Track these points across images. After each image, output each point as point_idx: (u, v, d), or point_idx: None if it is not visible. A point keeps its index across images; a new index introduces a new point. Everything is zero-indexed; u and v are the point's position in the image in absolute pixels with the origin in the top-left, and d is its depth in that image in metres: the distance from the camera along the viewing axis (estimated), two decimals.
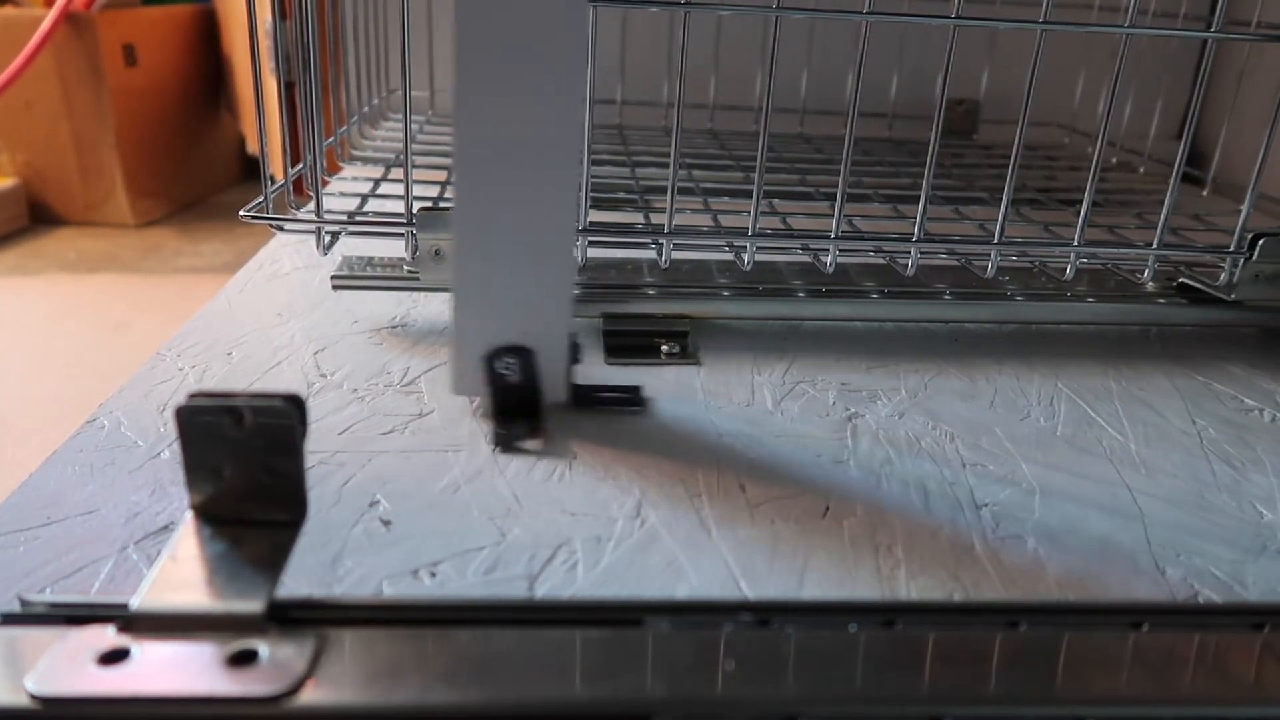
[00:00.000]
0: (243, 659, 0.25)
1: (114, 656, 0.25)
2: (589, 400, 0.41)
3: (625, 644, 0.27)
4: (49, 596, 0.28)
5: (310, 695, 0.24)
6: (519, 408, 0.39)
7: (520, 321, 0.38)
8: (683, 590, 0.30)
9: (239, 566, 0.27)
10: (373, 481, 0.35)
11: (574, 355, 0.40)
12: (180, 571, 0.27)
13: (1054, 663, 0.27)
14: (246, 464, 0.28)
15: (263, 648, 0.25)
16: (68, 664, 0.25)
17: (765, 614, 0.28)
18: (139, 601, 0.26)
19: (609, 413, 0.41)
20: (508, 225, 0.37)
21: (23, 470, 0.35)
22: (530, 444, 0.37)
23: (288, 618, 0.27)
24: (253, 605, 0.26)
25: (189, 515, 0.28)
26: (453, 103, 0.35)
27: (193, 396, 0.27)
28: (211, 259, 1.49)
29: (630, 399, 0.42)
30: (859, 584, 0.31)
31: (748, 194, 0.48)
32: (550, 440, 0.38)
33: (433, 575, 0.30)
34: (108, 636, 0.26)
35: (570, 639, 0.27)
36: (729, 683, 0.26)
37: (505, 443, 0.37)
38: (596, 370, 0.45)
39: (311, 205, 0.49)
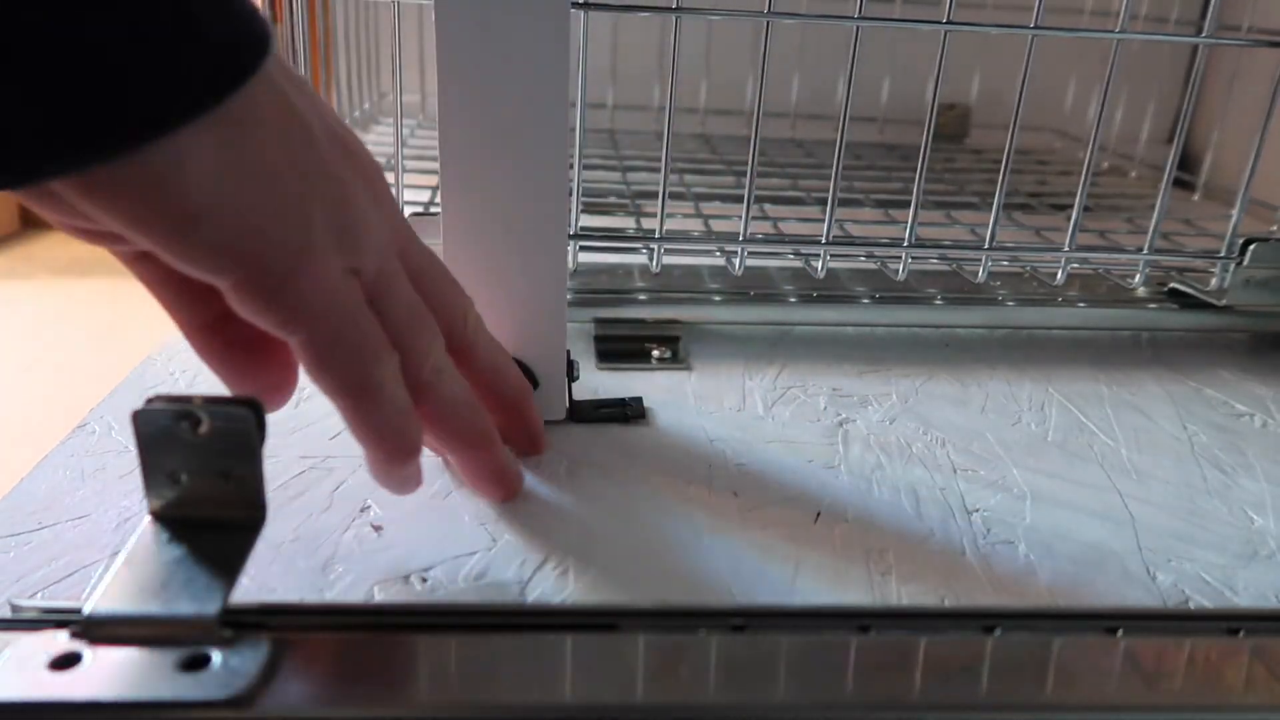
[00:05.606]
0: (195, 664, 0.25)
1: (65, 661, 0.25)
2: (588, 417, 0.41)
3: (616, 650, 0.27)
4: (38, 601, 0.28)
5: (262, 702, 0.24)
6: None
7: (515, 341, 0.38)
8: (673, 596, 0.30)
9: (195, 571, 0.27)
10: (364, 486, 0.35)
11: (571, 372, 0.40)
12: (135, 576, 0.26)
13: (1044, 669, 0.27)
14: (204, 468, 0.27)
15: (215, 653, 0.25)
16: (18, 669, 0.24)
17: (756, 620, 0.29)
18: (91, 606, 0.26)
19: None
20: (497, 239, 0.37)
21: (13, 475, 0.35)
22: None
23: (241, 623, 0.26)
24: (206, 610, 0.25)
25: (146, 519, 0.28)
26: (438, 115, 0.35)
27: (150, 400, 0.26)
28: None
29: (629, 414, 0.41)
30: (849, 590, 0.31)
31: (739, 199, 0.48)
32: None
33: (424, 581, 0.30)
34: (59, 641, 0.25)
35: (561, 644, 0.27)
36: (719, 689, 0.26)
37: None
38: (588, 377, 0.45)
39: None
